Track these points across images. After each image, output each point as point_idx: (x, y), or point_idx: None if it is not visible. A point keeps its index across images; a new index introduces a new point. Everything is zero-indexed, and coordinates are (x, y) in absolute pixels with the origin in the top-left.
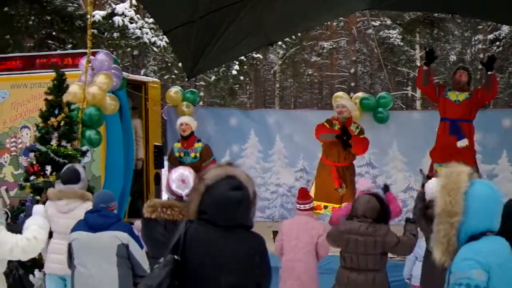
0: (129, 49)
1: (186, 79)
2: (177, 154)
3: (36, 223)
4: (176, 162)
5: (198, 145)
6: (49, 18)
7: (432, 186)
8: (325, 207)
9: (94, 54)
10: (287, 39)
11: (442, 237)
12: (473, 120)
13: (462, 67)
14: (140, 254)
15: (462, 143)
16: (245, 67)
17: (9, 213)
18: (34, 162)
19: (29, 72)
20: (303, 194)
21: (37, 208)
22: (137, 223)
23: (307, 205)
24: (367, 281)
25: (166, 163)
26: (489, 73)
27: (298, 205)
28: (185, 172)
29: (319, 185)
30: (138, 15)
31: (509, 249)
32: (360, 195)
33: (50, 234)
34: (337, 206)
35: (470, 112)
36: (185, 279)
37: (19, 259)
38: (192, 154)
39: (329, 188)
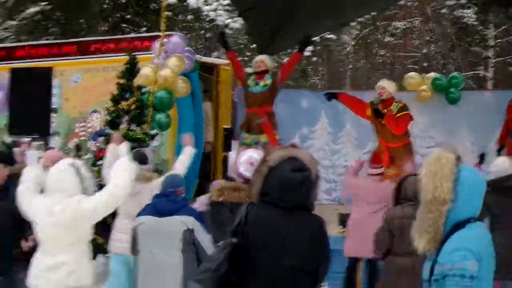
0: (202, 31)
1: None
2: (248, 83)
3: (119, 166)
4: (245, 92)
5: (268, 75)
6: (123, 1)
7: (506, 162)
8: None
9: (167, 37)
10: (360, 19)
11: (429, 225)
12: None
13: None
14: (205, 240)
15: None
16: (318, 48)
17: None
18: (103, 147)
19: (102, 56)
20: (376, 158)
21: (122, 149)
22: (201, 199)
23: (378, 170)
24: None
25: (234, 146)
26: None
27: (370, 170)
28: (253, 155)
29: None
30: None
31: (489, 235)
32: (408, 176)
33: (114, 215)
34: None
35: None
36: (245, 261)
37: (105, 215)
38: (262, 83)
39: None
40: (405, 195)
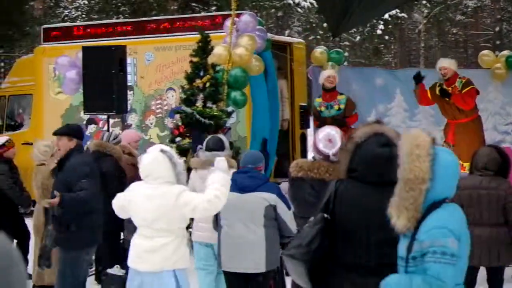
0: (273, 10)
1: (332, 38)
2: (318, 109)
3: (217, 180)
4: (317, 116)
5: (342, 98)
6: None
7: None
8: None
9: (238, 15)
10: None
11: (410, 203)
12: None
13: None
14: (287, 215)
15: None
16: (389, 26)
17: None
18: (180, 124)
19: (174, 34)
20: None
21: (220, 163)
22: (284, 185)
23: None
24: (491, 235)
25: (312, 123)
26: None
27: None
28: (331, 132)
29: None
30: None
31: (464, 215)
32: (481, 148)
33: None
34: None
35: None
36: (336, 237)
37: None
38: (336, 107)
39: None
40: (475, 165)
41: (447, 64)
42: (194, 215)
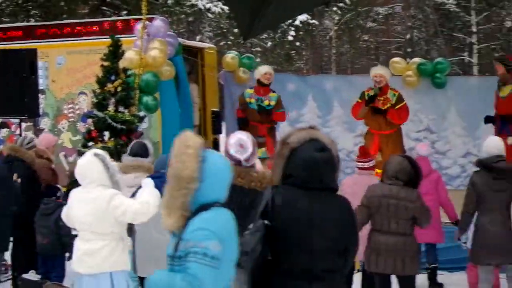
0: (183, 16)
1: (242, 42)
2: (247, 100)
3: (148, 191)
4: (244, 105)
5: (274, 95)
6: None
7: (494, 142)
8: None
9: (149, 20)
10: (342, 4)
11: (180, 202)
12: None
13: (495, 59)
14: None
15: (510, 140)
16: (301, 32)
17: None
18: (92, 128)
19: (85, 38)
20: (363, 152)
21: (146, 181)
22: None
23: (365, 164)
24: (397, 244)
25: (224, 128)
26: None
27: (357, 163)
28: (243, 137)
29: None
30: None
31: (235, 221)
32: (392, 156)
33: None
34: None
35: None
36: (276, 244)
37: (131, 222)
38: (266, 102)
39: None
40: (386, 173)
41: (383, 72)
42: (125, 219)
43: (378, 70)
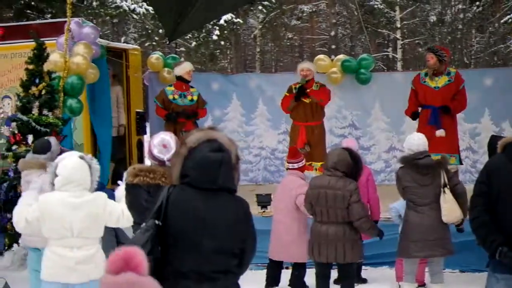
0: (108, 17)
1: (167, 43)
2: (170, 97)
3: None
4: (167, 104)
5: (194, 90)
6: None
7: (417, 139)
8: None
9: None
10: (266, 2)
11: None
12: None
13: (427, 49)
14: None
15: (440, 133)
16: (225, 32)
17: None
18: (16, 132)
19: (9, 42)
20: (292, 153)
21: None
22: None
23: (295, 164)
24: (337, 233)
25: (148, 129)
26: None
27: (287, 164)
28: (166, 137)
29: (290, 144)
30: None
31: None
32: (333, 148)
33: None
34: (307, 163)
35: (452, 97)
36: (167, 243)
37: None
38: (189, 97)
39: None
40: (326, 164)
41: (311, 66)
42: (118, 225)
43: (305, 65)
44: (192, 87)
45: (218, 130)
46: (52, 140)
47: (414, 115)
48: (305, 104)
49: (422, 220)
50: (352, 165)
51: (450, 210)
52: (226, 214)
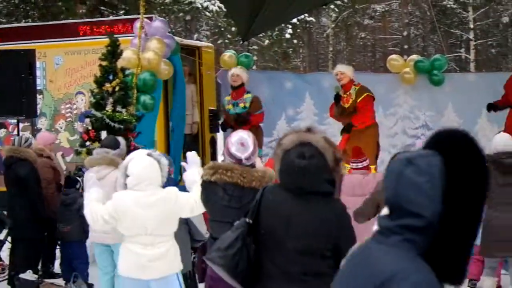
0: (181, 14)
1: (241, 42)
2: (226, 107)
3: (194, 175)
4: (226, 115)
5: (248, 96)
6: None
7: (505, 139)
8: None
9: (148, 19)
10: (339, 2)
11: None
12: None
13: None
14: (197, 219)
15: None
16: (298, 30)
17: (81, 183)
18: (90, 128)
19: (83, 38)
20: (356, 153)
21: (192, 158)
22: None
23: (359, 164)
24: None
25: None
26: None
27: (351, 164)
28: (244, 135)
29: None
30: None
31: None
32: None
33: None
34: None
35: None
36: (258, 241)
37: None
38: (241, 104)
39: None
40: None
41: (344, 69)
42: (192, 214)
43: (338, 68)
44: (248, 92)
45: (315, 131)
46: (120, 139)
47: (494, 107)
48: (345, 108)
49: (503, 220)
50: None
51: None
52: (313, 216)
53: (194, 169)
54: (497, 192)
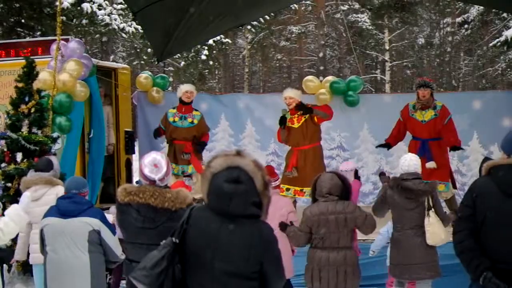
0: (98, 35)
1: (156, 63)
2: (171, 119)
3: (9, 212)
4: (168, 126)
5: (197, 113)
6: (17, 5)
7: (409, 160)
8: (287, 189)
9: (64, 41)
10: (255, 23)
11: None
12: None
13: (422, 85)
14: (112, 240)
15: (430, 165)
16: (214, 52)
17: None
18: (5, 149)
19: None
20: (269, 172)
21: (23, 197)
22: (112, 209)
23: (272, 183)
24: (338, 258)
25: (136, 148)
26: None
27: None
28: (157, 157)
29: (284, 169)
30: (106, 1)
31: None
32: (322, 174)
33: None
34: (298, 189)
35: (438, 131)
36: (185, 263)
37: None
38: (190, 119)
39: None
40: (319, 192)
41: (293, 94)
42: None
43: (287, 93)
44: (196, 110)
45: (244, 155)
46: (53, 158)
47: (387, 146)
48: (295, 128)
49: (406, 243)
50: (343, 187)
51: (434, 233)
52: (240, 238)
53: (14, 207)
54: (401, 216)
